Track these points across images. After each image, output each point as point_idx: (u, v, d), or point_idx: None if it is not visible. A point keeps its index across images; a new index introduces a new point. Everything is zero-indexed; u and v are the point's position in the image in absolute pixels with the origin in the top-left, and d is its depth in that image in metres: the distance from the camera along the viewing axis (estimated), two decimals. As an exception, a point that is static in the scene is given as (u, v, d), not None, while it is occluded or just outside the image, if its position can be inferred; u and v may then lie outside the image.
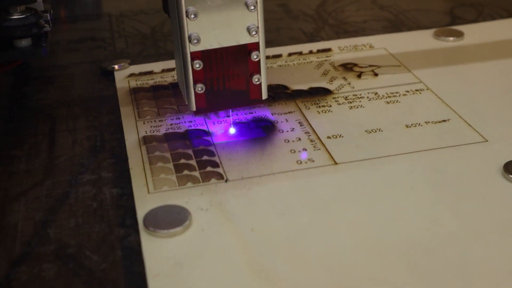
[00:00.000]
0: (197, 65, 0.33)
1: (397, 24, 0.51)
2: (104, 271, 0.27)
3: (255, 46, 0.33)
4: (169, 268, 0.27)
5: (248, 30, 0.33)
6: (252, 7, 0.32)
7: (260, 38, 0.33)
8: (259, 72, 0.34)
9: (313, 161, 0.33)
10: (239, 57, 0.33)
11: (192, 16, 0.32)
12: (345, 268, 0.27)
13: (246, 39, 0.33)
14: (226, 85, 0.34)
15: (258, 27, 0.33)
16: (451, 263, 0.27)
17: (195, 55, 0.33)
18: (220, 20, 0.32)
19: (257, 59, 0.33)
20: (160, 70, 0.43)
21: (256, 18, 0.33)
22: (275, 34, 0.49)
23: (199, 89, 0.33)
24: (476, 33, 0.47)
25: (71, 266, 0.28)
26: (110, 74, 0.44)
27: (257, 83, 0.34)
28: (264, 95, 0.34)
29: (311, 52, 0.45)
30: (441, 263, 0.27)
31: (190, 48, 0.32)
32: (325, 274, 0.26)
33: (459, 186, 0.31)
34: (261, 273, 0.27)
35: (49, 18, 0.35)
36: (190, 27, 0.32)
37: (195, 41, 0.32)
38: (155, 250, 0.28)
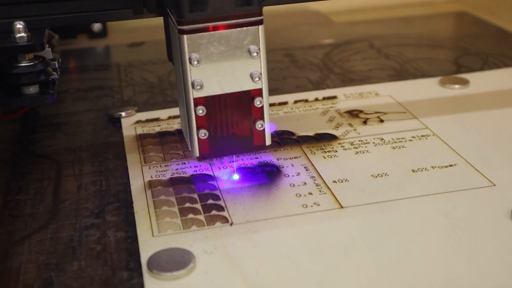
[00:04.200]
0: (200, 111, 0.33)
1: (402, 72, 0.51)
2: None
3: (258, 92, 0.33)
4: (172, 311, 0.27)
5: (251, 76, 0.33)
6: (255, 54, 0.32)
7: (263, 84, 0.33)
8: (262, 118, 0.34)
9: (319, 205, 0.33)
10: (242, 103, 0.33)
11: (195, 62, 0.32)
12: (352, 311, 0.26)
13: (249, 85, 0.33)
14: (230, 131, 0.34)
15: (261, 73, 0.33)
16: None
17: (198, 101, 0.33)
18: (223, 67, 0.32)
19: (260, 105, 0.33)
20: (167, 117, 0.44)
21: (259, 64, 0.33)
22: (281, 83, 0.50)
23: (202, 135, 0.33)
24: (481, 81, 0.47)
25: (73, 309, 0.27)
26: (117, 121, 0.44)
27: (261, 129, 0.34)
28: (268, 141, 0.34)
29: (316, 99, 0.45)
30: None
31: (193, 94, 0.33)
32: (331, 317, 0.26)
33: (468, 230, 0.31)
34: (265, 316, 0.26)
35: (57, 66, 0.36)
36: (193, 73, 0.32)
37: (198, 87, 0.32)
38: (158, 293, 0.28)
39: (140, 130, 0.42)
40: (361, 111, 0.43)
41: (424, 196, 0.34)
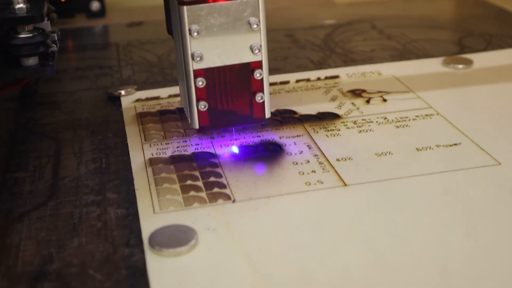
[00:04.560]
0: (200, 83, 0.32)
1: (405, 53, 0.50)
2: (108, 290, 0.27)
3: (258, 65, 0.33)
4: (174, 287, 0.26)
5: (251, 48, 0.33)
6: (255, 26, 0.32)
7: (263, 56, 0.33)
8: (262, 90, 0.34)
9: (322, 182, 0.33)
10: (242, 75, 0.33)
11: (195, 34, 0.32)
12: (357, 288, 0.26)
13: (249, 58, 0.33)
14: (229, 103, 0.33)
15: (261, 45, 0.33)
16: (464, 284, 0.26)
17: (198, 73, 0.32)
18: (223, 39, 0.32)
19: (260, 78, 0.33)
20: (167, 95, 0.43)
21: (259, 36, 0.33)
22: (283, 63, 0.49)
23: (202, 106, 0.33)
24: (485, 61, 0.47)
25: (73, 285, 0.27)
26: (117, 99, 0.43)
27: (260, 101, 0.34)
28: (267, 114, 0.34)
29: (319, 78, 0.45)
30: (454, 285, 0.26)
31: (193, 65, 0.32)
32: (336, 294, 0.26)
33: (472, 208, 0.30)
34: (269, 292, 0.26)
35: (56, 38, 0.35)
36: (193, 45, 0.32)
37: (198, 59, 0.32)
38: (160, 269, 0.27)
39: (140, 108, 0.41)
40: (364, 90, 0.43)
41: (429, 174, 0.33)
